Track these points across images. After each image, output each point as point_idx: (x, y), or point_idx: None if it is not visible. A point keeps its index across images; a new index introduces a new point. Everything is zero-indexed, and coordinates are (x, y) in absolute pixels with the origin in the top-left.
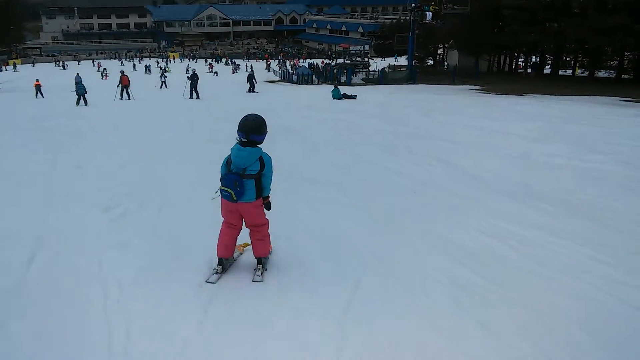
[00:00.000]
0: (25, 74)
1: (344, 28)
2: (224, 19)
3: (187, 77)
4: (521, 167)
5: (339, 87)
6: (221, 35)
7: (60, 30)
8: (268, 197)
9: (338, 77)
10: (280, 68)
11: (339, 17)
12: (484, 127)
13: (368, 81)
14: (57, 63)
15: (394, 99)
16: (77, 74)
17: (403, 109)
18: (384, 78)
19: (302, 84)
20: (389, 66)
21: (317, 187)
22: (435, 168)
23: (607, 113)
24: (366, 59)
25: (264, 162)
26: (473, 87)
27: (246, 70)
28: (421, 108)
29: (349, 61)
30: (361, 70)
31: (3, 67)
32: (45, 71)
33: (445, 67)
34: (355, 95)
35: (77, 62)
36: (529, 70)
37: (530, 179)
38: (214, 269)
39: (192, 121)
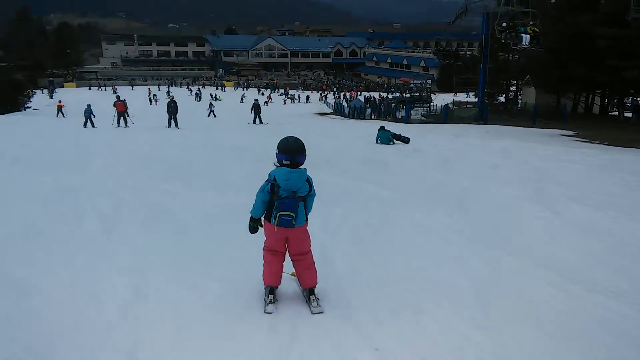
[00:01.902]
0: (65, 98)
1: (405, 62)
2: (282, 49)
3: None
4: None
5: (387, 129)
6: (278, 66)
7: (119, 56)
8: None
9: (394, 112)
10: (335, 100)
11: (400, 51)
12: None
13: (428, 118)
14: (100, 87)
15: (465, 147)
16: (88, 105)
17: (487, 175)
18: (448, 115)
19: (353, 117)
20: (454, 102)
21: None
22: None
23: None
24: (428, 93)
25: (310, 183)
26: (562, 132)
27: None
28: (520, 173)
29: (408, 95)
30: (422, 105)
31: (39, 91)
32: (94, 95)
33: (519, 106)
34: (409, 139)
35: (130, 87)
36: (627, 114)
37: None
38: (267, 299)
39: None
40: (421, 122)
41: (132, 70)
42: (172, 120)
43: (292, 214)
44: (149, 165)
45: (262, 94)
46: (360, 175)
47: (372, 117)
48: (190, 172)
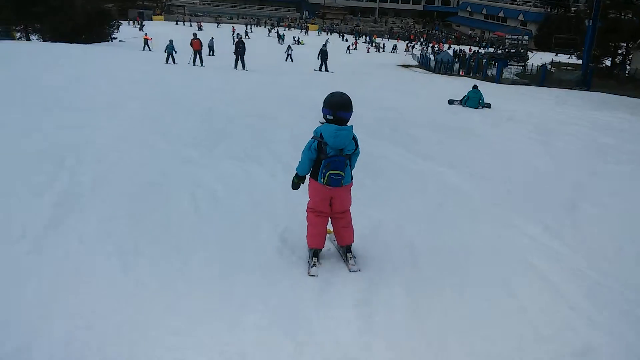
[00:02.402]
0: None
1: (501, 14)
2: None
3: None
4: None
5: (479, 89)
6: (366, 11)
7: None
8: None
9: (485, 69)
10: (421, 52)
11: (498, 2)
12: None
13: (522, 78)
14: (185, 22)
15: (568, 119)
16: (170, 40)
17: (605, 165)
18: (545, 78)
19: (440, 72)
20: (552, 63)
21: None
22: None
23: None
24: (524, 51)
25: (356, 141)
26: None
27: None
28: None
29: (501, 51)
30: (517, 63)
31: (131, 22)
32: (180, 30)
33: (627, 72)
34: (489, 104)
35: (216, 24)
36: None
37: None
38: (311, 262)
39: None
40: (514, 82)
41: (219, 7)
42: (240, 62)
43: (342, 172)
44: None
45: (346, 40)
46: (433, 151)
47: (460, 73)
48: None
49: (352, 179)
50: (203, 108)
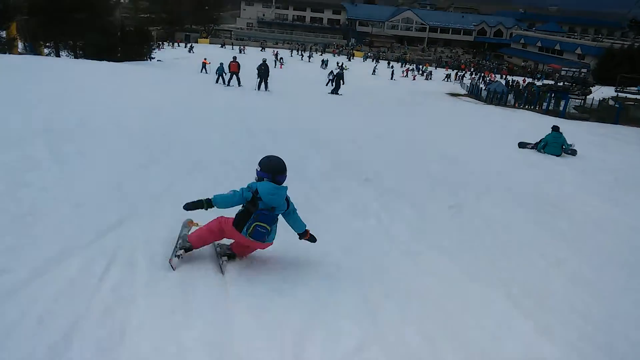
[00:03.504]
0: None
1: (557, 47)
2: (420, 24)
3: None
4: None
5: (561, 130)
6: (414, 40)
7: (255, 17)
8: (307, 230)
9: (546, 103)
10: (471, 81)
11: (554, 35)
12: None
13: (582, 113)
14: (230, 46)
15: None
16: (220, 63)
17: None
18: (619, 114)
19: (492, 103)
20: (617, 97)
21: None
22: None
23: None
24: (586, 84)
25: (289, 200)
26: None
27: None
28: None
29: (560, 83)
30: (576, 97)
31: (179, 44)
32: (224, 52)
33: None
34: (575, 150)
35: (260, 48)
36: None
37: None
38: (180, 253)
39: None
40: (581, 118)
41: (265, 32)
42: (263, 83)
43: (268, 227)
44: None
45: (392, 66)
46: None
47: (515, 104)
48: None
49: (272, 240)
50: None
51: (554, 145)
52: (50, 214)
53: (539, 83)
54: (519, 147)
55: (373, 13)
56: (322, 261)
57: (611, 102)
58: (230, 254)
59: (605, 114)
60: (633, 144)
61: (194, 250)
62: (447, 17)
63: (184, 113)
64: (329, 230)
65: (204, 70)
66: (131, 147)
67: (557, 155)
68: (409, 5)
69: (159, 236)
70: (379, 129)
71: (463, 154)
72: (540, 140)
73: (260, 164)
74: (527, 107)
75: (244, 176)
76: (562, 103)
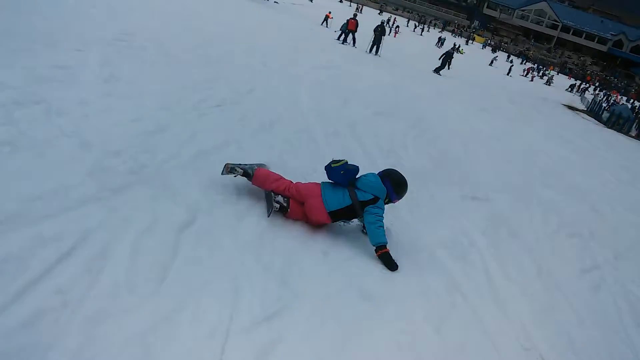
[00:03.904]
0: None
1: None
2: (554, 20)
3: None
4: None
5: None
6: (541, 37)
7: None
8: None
9: None
10: (594, 97)
11: None
12: None
13: None
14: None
15: None
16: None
17: None
18: None
19: (612, 128)
20: None
21: None
22: None
23: None
24: None
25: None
26: None
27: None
28: None
29: None
30: None
31: None
32: (342, 8)
33: None
34: None
35: (379, 11)
36: None
37: None
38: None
39: None
40: None
41: None
42: (375, 46)
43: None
44: None
45: (511, 61)
46: None
47: (636, 134)
48: None
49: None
50: None
51: None
52: None
53: None
54: None
55: None
56: None
57: None
58: (284, 208)
59: None
60: None
61: (250, 182)
62: (584, 18)
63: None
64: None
65: (324, 23)
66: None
67: None
68: None
69: None
70: (487, 129)
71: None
72: None
73: (392, 182)
74: None
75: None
76: None
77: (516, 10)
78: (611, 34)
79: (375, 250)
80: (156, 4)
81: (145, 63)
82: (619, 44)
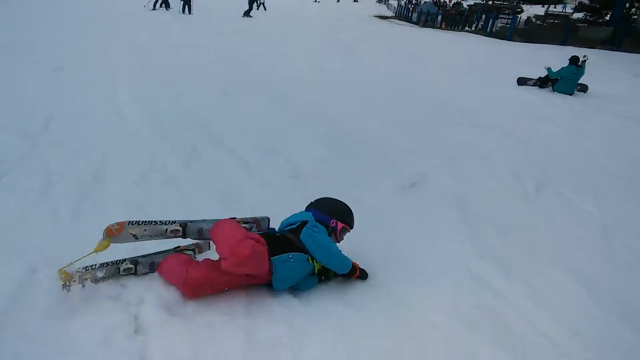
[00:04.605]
0: None
1: None
2: None
3: None
4: None
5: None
6: None
7: None
8: None
9: (475, 22)
10: (398, 2)
11: None
12: None
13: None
14: None
15: None
16: None
17: None
18: (569, 34)
19: (425, 26)
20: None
21: None
22: None
23: None
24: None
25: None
26: None
27: None
28: None
29: (491, 2)
30: (506, 16)
31: None
32: None
33: None
34: (586, 86)
35: None
36: None
37: None
38: None
39: None
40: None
41: None
42: (186, 5)
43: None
44: None
45: None
46: None
47: (442, 25)
48: None
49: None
50: None
51: (571, 81)
52: None
53: (470, 2)
54: (518, 85)
55: None
56: None
57: (534, 20)
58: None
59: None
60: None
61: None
62: None
63: None
64: None
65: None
66: None
67: (569, 94)
68: None
69: None
70: (334, 65)
71: (453, 93)
72: (555, 74)
73: (314, 205)
74: (454, 27)
75: None
76: (492, 21)
77: None
78: None
79: (348, 276)
80: None
81: None
82: None
